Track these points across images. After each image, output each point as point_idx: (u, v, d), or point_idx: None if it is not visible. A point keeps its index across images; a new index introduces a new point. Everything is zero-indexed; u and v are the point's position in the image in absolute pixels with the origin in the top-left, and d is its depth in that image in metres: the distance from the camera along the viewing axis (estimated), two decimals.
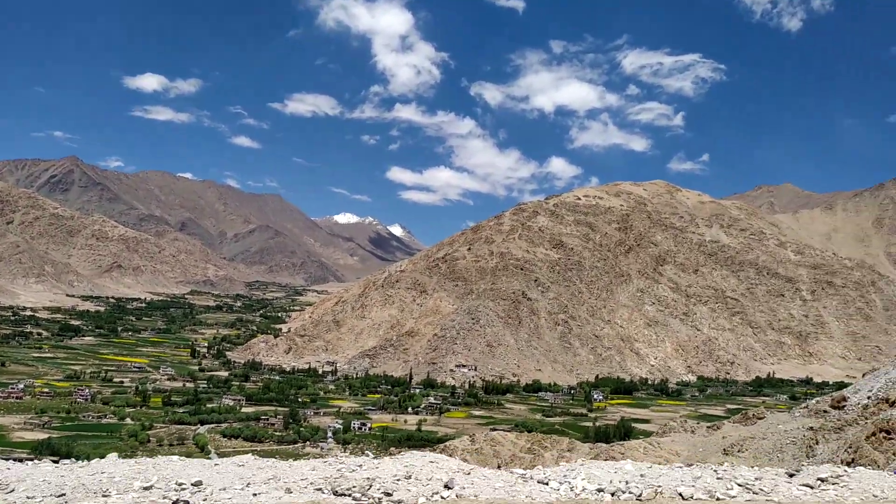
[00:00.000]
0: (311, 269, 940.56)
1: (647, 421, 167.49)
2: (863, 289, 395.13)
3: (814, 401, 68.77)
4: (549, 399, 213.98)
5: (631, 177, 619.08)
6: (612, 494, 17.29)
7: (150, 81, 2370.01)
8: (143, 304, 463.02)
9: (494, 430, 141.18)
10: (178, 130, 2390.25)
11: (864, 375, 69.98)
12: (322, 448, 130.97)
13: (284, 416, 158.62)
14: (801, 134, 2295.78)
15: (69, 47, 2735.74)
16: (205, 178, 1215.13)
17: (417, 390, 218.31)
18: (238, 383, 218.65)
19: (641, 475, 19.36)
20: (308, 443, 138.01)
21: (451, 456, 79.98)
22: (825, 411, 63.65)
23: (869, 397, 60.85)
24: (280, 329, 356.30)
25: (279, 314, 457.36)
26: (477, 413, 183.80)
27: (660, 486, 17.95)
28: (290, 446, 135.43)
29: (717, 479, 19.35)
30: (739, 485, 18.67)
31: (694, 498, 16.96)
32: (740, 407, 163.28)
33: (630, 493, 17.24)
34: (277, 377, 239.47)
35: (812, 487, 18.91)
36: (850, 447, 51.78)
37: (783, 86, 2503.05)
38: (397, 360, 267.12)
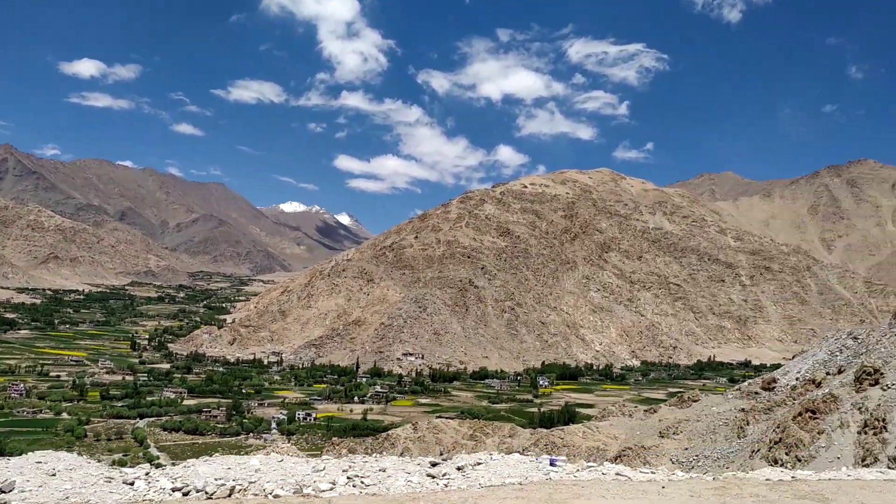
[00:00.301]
0: (256, 258, 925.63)
1: (591, 406, 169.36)
2: (798, 274, 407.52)
3: (746, 383, 69.91)
4: (496, 386, 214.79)
5: (577, 165, 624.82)
6: (185, 494, 16.56)
7: (87, 67, 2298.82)
8: (82, 296, 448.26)
9: (441, 417, 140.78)
10: (117, 117, 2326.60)
11: (793, 358, 71.38)
12: (266, 439, 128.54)
13: (227, 407, 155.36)
14: (742, 123, 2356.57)
15: (0, 31, 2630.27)
16: (145, 166, 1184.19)
17: (364, 379, 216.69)
18: (180, 376, 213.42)
19: (256, 470, 18.63)
20: (252, 434, 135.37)
21: (393, 444, 79.03)
22: (756, 393, 64.73)
23: (797, 379, 62.05)
24: (224, 320, 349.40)
25: (224, 305, 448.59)
26: (424, 401, 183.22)
27: (251, 482, 17.19)
28: (233, 438, 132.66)
29: (342, 472, 18.63)
30: (349, 477, 18.05)
31: (280, 496, 16.17)
32: (681, 390, 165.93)
33: (205, 491, 16.51)
34: (221, 369, 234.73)
35: (435, 477, 18.50)
36: (779, 427, 52.57)
37: (724, 76, 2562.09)
38: (344, 349, 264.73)
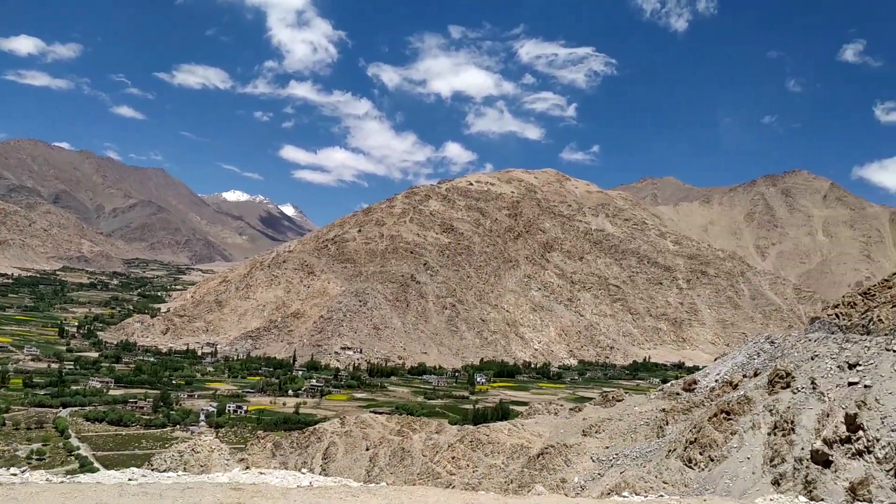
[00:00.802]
0: (196, 247, 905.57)
1: (526, 403, 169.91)
2: (733, 279, 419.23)
3: (668, 384, 71.19)
4: (433, 382, 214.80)
5: (525, 164, 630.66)
6: None
7: (24, 44, 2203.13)
8: (10, 281, 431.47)
9: (375, 412, 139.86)
10: (55, 97, 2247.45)
11: (715, 360, 72.96)
12: (192, 432, 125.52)
13: (155, 399, 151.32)
14: (685, 130, 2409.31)
15: None
16: (83, 148, 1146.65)
17: (300, 372, 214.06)
18: (108, 365, 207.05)
19: None
20: (178, 427, 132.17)
21: (320, 439, 77.92)
22: (677, 394, 65.89)
23: (717, 380, 63.41)
24: (159, 309, 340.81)
25: (159, 294, 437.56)
26: (359, 396, 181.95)
27: None
28: (159, 430, 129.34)
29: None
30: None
31: None
32: (615, 390, 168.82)
33: None
34: (152, 359, 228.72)
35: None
36: (695, 427, 53.52)
37: (669, 83, 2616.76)
38: (281, 341, 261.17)
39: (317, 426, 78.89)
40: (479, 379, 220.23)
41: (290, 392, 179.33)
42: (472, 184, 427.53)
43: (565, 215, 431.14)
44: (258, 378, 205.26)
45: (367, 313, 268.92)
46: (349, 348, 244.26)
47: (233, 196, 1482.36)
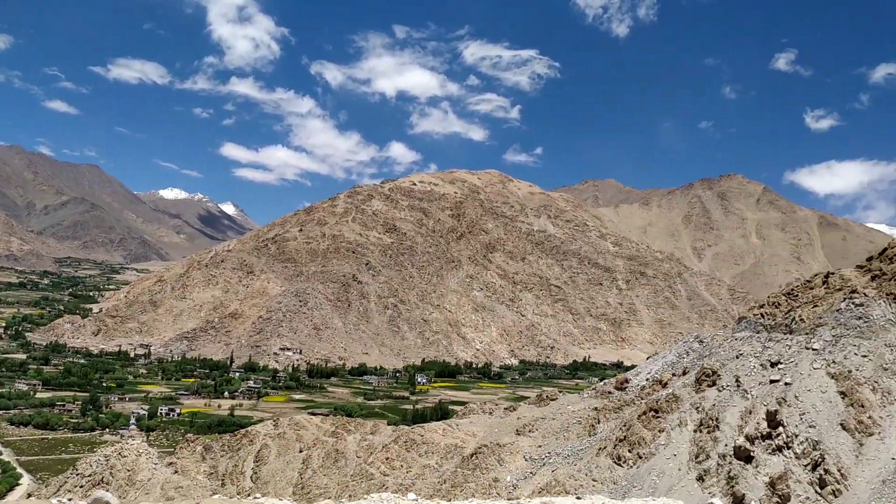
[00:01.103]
0: (131, 246, 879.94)
1: (465, 403, 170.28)
2: (670, 279, 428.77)
3: (601, 383, 72.08)
4: (374, 383, 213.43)
5: (469, 165, 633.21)
6: None
7: None
8: None
9: (314, 414, 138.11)
10: None
11: (647, 359, 74.18)
12: (122, 435, 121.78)
13: (84, 402, 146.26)
14: (626, 133, 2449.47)
15: None
16: (12, 143, 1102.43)
17: (237, 374, 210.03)
18: (36, 367, 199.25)
19: None
20: (108, 430, 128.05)
21: (252, 441, 76.38)
22: (610, 392, 66.79)
23: (647, 379, 64.51)
24: (91, 309, 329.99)
25: (91, 293, 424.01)
26: (297, 397, 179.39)
27: None
28: (87, 434, 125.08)
29: None
30: None
31: None
32: (551, 389, 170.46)
33: None
34: (83, 361, 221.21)
35: None
36: (625, 425, 54.29)
37: (611, 87, 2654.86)
38: (219, 342, 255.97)
39: (249, 428, 77.21)
40: (419, 379, 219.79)
41: (226, 394, 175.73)
42: (415, 184, 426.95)
43: (508, 216, 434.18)
44: (193, 380, 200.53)
45: (308, 313, 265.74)
46: (288, 349, 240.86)
47: (171, 194, 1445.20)
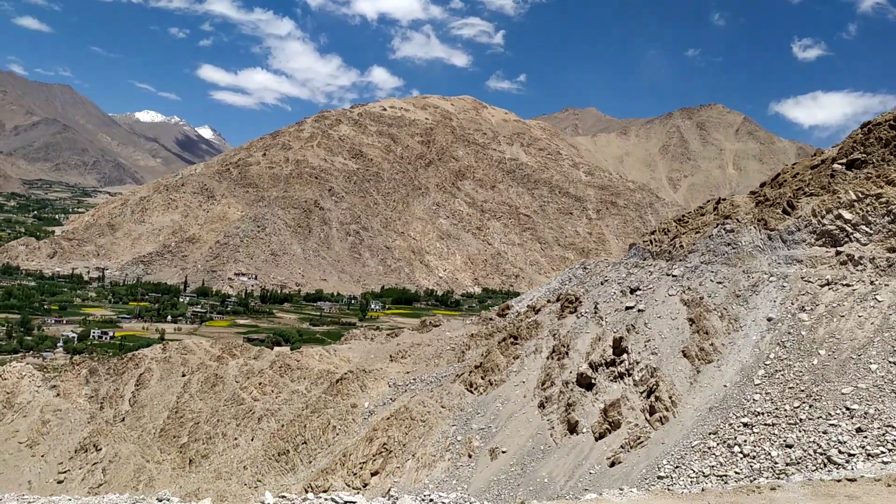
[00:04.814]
0: (105, 168, 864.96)
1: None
2: (641, 209, 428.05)
3: (488, 310, 70.40)
4: (325, 309, 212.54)
5: (451, 92, 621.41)
6: None
7: None
8: None
9: (249, 339, 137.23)
10: None
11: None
12: (45, 358, 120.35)
13: (13, 324, 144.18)
14: (610, 61, 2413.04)
15: None
16: None
17: (187, 299, 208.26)
18: None
19: None
20: (30, 353, 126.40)
21: (137, 365, 74.60)
22: (491, 319, 65.13)
23: (528, 306, 62.72)
24: (52, 232, 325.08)
25: (57, 217, 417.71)
26: (242, 322, 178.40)
27: None
28: (8, 356, 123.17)
29: None
30: None
31: None
32: (435, 315, 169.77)
33: None
34: (32, 283, 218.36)
35: None
36: (486, 351, 52.80)
37: (597, 13, 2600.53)
38: (175, 267, 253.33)
39: (136, 352, 75.54)
40: (373, 306, 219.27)
41: (170, 318, 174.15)
42: (385, 109, 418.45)
43: (480, 143, 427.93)
44: (144, 304, 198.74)
45: (266, 239, 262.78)
46: (244, 274, 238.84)
47: (147, 116, 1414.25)
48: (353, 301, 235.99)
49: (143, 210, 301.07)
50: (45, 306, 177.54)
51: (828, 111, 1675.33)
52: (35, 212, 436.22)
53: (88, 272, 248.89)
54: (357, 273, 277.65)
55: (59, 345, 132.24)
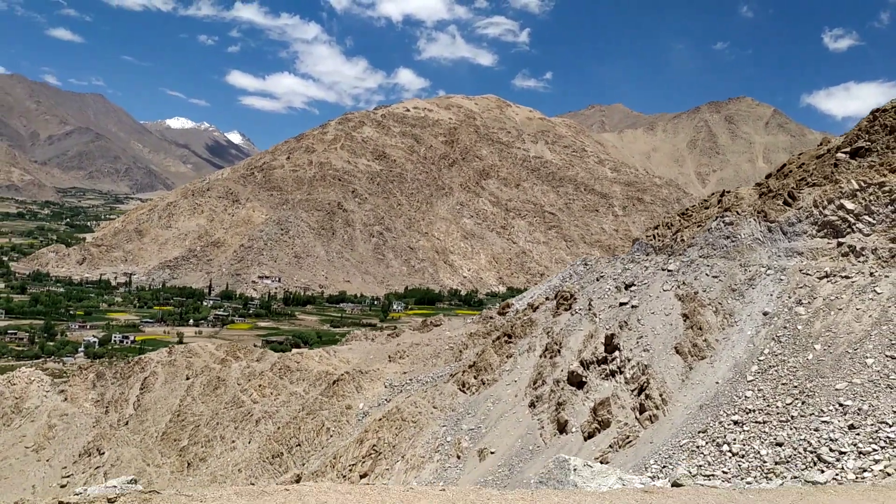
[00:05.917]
0: (137, 175, 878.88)
1: None
2: (668, 205, 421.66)
3: (489, 308, 69.41)
4: (348, 310, 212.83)
5: (477, 91, 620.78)
6: None
7: None
8: None
9: (268, 341, 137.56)
10: None
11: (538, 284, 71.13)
12: (66, 363, 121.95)
13: (36, 330, 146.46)
14: (638, 57, 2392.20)
15: None
16: (15, 72, 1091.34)
17: (211, 302, 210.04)
18: (6, 296, 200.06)
19: None
20: (52, 358, 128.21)
21: (143, 369, 74.87)
22: (492, 317, 64.09)
23: (528, 304, 61.55)
24: (84, 239, 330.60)
25: (90, 224, 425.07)
26: (263, 325, 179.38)
27: None
28: (31, 362, 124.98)
29: None
30: None
31: None
32: (438, 315, 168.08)
33: None
34: (61, 289, 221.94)
35: None
36: (481, 351, 51.85)
37: (623, 9, 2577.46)
38: (200, 271, 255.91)
39: (142, 356, 75.93)
40: (395, 307, 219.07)
41: (192, 322, 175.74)
42: (409, 110, 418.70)
43: (504, 142, 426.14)
44: (168, 308, 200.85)
45: (289, 241, 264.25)
46: (267, 277, 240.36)
47: (177, 123, 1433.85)
48: (374, 302, 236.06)
49: (169, 215, 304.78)
50: (71, 312, 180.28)
51: (861, 102, 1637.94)
52: (68, 219, 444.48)
53: (116, 277, 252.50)
54: (381, 274, 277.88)
55: (80, 350, 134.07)
